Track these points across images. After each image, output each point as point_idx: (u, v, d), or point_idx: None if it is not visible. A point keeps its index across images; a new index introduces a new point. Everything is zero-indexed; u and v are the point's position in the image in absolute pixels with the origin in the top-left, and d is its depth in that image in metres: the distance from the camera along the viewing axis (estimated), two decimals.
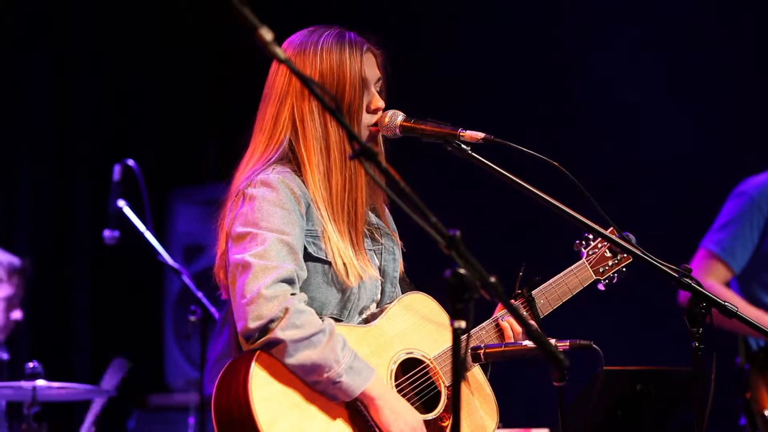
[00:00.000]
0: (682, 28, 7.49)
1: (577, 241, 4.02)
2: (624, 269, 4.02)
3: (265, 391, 3.40)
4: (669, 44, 7.52)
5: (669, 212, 7.16)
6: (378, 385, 3.50)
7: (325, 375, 3.42)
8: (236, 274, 3.48)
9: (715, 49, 7.43)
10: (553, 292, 3.88)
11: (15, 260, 6.56)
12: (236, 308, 3.46)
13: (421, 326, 3.69)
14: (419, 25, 8.12)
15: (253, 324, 3.39)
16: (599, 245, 3.99)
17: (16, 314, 6.54)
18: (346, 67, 3.66)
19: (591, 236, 4.00)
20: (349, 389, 3.45)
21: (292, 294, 3.45)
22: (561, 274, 3.93)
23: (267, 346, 3.42)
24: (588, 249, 4.00)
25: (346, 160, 3.62)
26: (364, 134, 3.71)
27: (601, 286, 4.01)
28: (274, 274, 3.43)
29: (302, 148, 3.63)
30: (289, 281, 3.46)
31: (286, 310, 3.40)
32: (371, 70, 3.72)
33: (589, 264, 3.98)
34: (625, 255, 3.97)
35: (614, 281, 4.02)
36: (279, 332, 3.39)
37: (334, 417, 3.49)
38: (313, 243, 3.59)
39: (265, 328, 3.39)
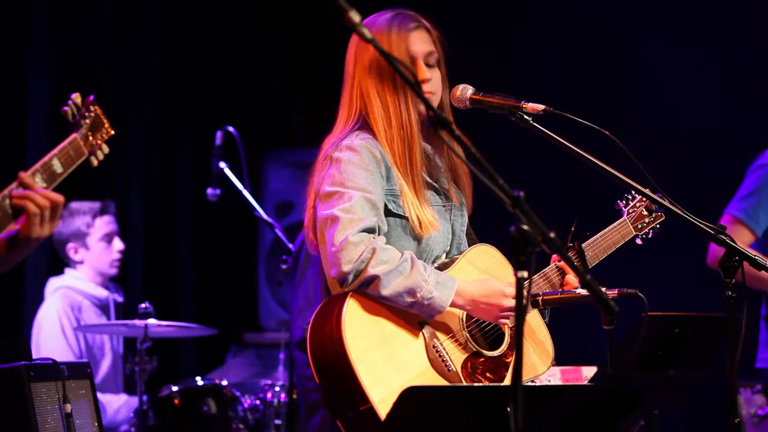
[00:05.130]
0: None
1: (618, 201, 4.10)
2: (658, 226, 4.11)
3: (355, 329, 3.47)
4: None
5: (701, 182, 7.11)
6: (459, 294, 3.59)
7: (419, 295, 3.50)
8: (325, 227, 3.56)
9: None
10: (599, 246, 3.96)
11: (95, 204, 6.68)
12: (328, 257, 3.53)
13: (489, 274, 3.75)
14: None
15: (347, 267, 3.47)
16: (637, 204, 4.07)
17: (118, 245, 6.67)
18: (393, 46, 3.72)
19: (630, 196, 4.08)
20: (441, 301, 3.54)
21: (374, 238, 3.55)
22: (606, 229, 4.02)
23: (363, 285, 3.49)
24: (628, 208, 4.08)
25: (404, 127, 3.69)
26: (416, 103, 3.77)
27: (638, 241, 4.09)
28: (359, 224, 3.52)
29: (370, 119, 3.73)
30: (371, 230, 3.55)
31: (374, 250, 3.49)
32: (420, 45, 3.77)
33: (629, 221, 4.07)
34: (659, 213, 4.06)
35: (650, 236, 4.10)
36: (371, 269, 3.47)
37: (414, 351, 3.56)
38: (393, 201, 3.68)
39: (358, 270, 3.47)
